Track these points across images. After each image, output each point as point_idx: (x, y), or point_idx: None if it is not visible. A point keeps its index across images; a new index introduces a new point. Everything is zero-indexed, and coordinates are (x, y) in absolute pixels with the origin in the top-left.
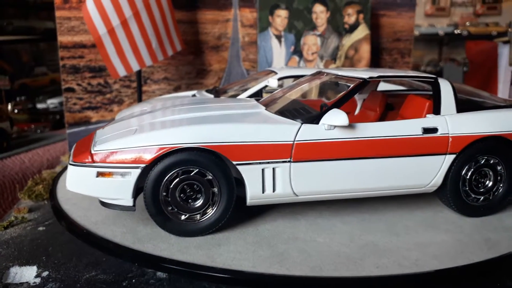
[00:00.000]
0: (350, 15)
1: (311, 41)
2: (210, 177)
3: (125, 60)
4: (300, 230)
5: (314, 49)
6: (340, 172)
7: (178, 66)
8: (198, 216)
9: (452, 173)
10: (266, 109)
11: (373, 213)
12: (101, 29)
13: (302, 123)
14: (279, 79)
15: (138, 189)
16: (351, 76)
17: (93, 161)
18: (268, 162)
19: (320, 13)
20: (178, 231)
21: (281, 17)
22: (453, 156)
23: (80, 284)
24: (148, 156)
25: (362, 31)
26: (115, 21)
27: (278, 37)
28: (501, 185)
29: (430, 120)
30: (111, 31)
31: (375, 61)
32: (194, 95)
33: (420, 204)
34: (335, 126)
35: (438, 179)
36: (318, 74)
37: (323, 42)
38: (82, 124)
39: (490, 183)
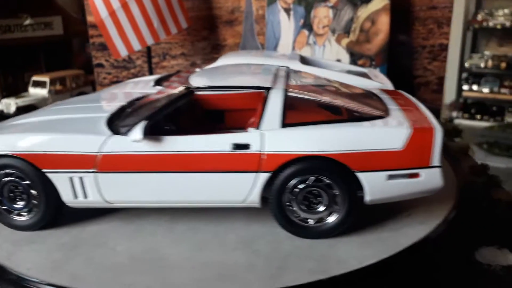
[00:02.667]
0: None
1: (322, 14)
2: (28, 182)
3: (126, 41)
4: (119, 235)
5: (325, 22)
6: (146, 184)
7: (193, 42)
8: (25, 214)
9: (273, 191)
10: (114, 113)
11: (214, 222)
12: (103, 12)
13: (112, 134)
14: None
15: None
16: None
17: None
18: (74, 172)
19: None
20: (10, 225)
21: None
22: (268, 174)
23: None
24: None
25: (380, 1)
26: (115, 4)
27: (287, 10)
28: (337, 207)
29: (244, 136)
30: (112, 14)
31: (407, 33)
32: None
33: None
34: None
35: (253, 197)
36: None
37: (336, 14)
38: None
39: (321, 206)
